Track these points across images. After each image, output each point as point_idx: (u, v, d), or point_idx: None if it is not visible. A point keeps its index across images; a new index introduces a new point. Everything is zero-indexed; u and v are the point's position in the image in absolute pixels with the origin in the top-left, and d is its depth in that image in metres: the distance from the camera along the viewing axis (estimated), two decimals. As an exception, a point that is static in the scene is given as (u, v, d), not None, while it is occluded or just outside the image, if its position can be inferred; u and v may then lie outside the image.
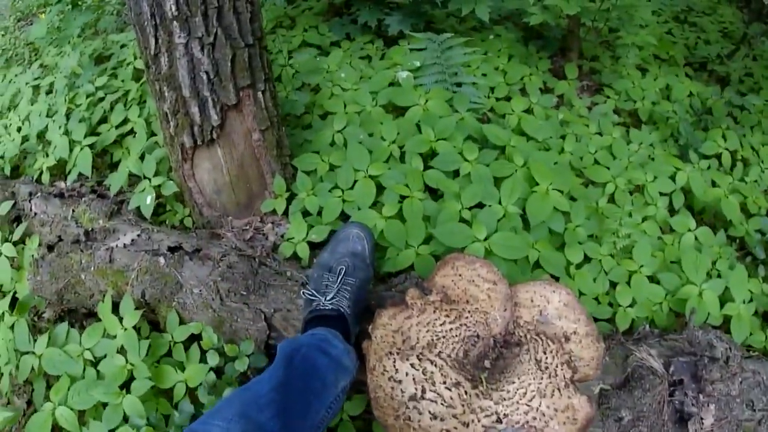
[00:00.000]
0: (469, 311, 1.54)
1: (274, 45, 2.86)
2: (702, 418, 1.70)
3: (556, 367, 1.54)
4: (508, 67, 2.83)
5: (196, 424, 1.16)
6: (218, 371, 1.67)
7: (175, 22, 1.63)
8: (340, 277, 1.60)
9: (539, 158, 2.20)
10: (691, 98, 3.00)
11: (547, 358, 1.54)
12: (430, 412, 1.40)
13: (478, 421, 1.43)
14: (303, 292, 1.62)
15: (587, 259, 2.08)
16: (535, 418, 1.45)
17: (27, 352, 1.83)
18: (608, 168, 2.40)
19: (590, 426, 1.46)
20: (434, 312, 1.51)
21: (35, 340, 1.82)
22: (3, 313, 1.98)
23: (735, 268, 2.12)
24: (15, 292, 2.08)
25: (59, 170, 2.45)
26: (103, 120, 2.51)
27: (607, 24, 3.06)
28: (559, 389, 1.49)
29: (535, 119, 2.49)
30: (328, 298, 1.55)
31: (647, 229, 2.24)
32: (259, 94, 1.86)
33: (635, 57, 2.95)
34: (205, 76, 1.72)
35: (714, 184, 2.50)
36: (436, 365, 1.45)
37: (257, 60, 1.81)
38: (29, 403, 1.90)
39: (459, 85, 2.52)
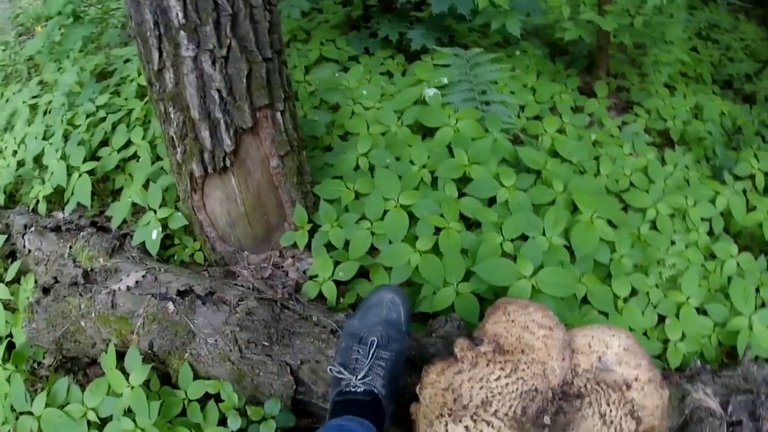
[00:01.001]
0: (525, 362, 1.33)
1: (290, 60, 2.66)
2: None
3: (620, 419, 1.35)
4: (537, 85, 2.66)
5: None
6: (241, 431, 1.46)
7: (182, 31, 1.42)
8: (372, 351, 1.37)
9: (580, 184, 2.02)
10: (722, 117, 2.88)
11: (611, 410, 1.35)
12: (489, 483, 1.20)
13: (542, 489, 1.23)
14: (329, 369, 1.38)
15: (633, 291, 1.91)
16: None
17: (24, 413, 1.61)
18: (647, 192, 2.24)
19: None
20: (487, 365, 1.31)
21: (32, 399, 1.60)
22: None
23: None
24: (11, 338, 1.87)
25: (57, 198, 2.24)
26: (104, 143, 2.29)
27: (636, 41, 2.92)
28: (625, 446, 1.30)
29: (569, 140, 2.31)
30: (359, 377, 1.32)
31: (691, 257, 2.08)
32: (278, 114, 1.65)
33: (665, 75, 2.78)
34: (216, 95, 1.51)
35: (749, 205, 2.35)
36: (493, 426, 1.25)
37: (276, 76, 1.61)
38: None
39: (488, 103, 2.33)
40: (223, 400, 1.49)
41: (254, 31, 1.49)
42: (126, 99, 2.48)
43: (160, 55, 1.47)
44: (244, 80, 1.52)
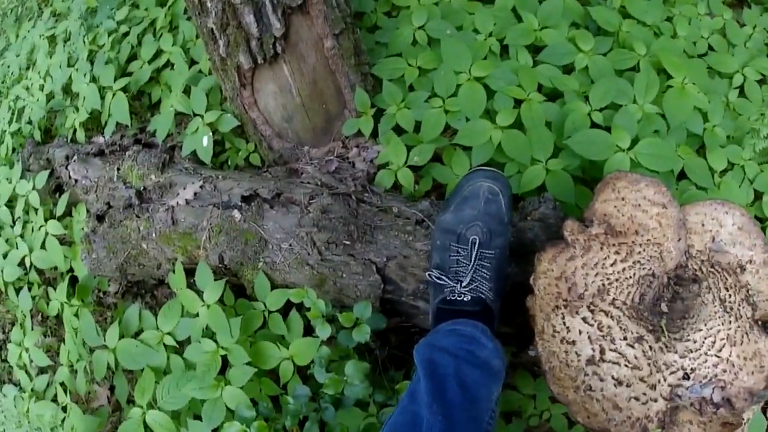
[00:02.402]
0: (640, 244, 1.19)
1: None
2: None
3: (739, 306, 1.22)
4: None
5: None
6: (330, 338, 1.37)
7: None
8: (474, 253, 1.21)
9: (664, 45, 1.79)
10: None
11: (730, 295, 1.22)
12: (613, 377, 1.09)
13: (665, 380, 1.13)
14: (428, 273, 1.24)
15: (731, 165, 1.73)
16: (725, 371, 1.16)
17: (98, 347, 1.57)
18: (733, 55, 2.00)
19: None
20: (601, 249, 1.17)
21: (103, 330, 1.55)
22: (63, 303, 1.73)
23: None
24: (72, 272, 1.80)
25: (94, 124, 2.10)
26: (133, 57, 2.12)
27: None
28: (746, 333, 1.19)
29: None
30: (464, 284, 1.18)
31: (781, 127, 1.88)
32: (330, -12, 1.45)
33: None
34: (258, -32, 1.32)
35: None
36: (612, 317, 1.13)
37: (323, -62, 1.39)
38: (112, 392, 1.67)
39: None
40: (308, 308, 1.39)
41: None
42: (146, 9, 2.26)
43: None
44: (288, -52, 1.31)
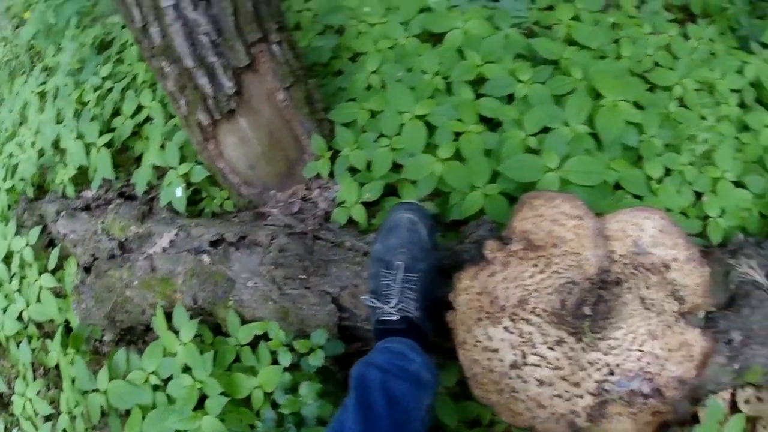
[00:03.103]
0: (557, 255, 1.34)
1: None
2: None
3: (662, 301, 1.36)
4: (547, -28, 2.52)
5: None
6: (295, 365, 1.53)
7: (156, -19, 1.41)
8: (400, 276, 1.38)
9: (600, 68, 1.96)
10: (745, -14, 2.71)
11: (651, 293, 1.36)
12: (535, 378, 1.24)
13: (590, 377, 1.26)
14: (362, 299, 1.43)
15: (667, 172, 1.88)
16: (649, 363, 1.29)
17: (91, 391, 1.73)
18: (672, 69, 2.17)
19: (709, 360, 1.32)
20: (520, 263, 1.32)
21: (95, 374, 1.71)
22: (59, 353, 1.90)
23: None
24: (67, 323, 1.98)
25: (83, 178, 2.28)
26: (116, 113, 2.32)
27: None
28: (669, 327, 1.33)
29: (585, 26, 2.22)
30: (391, 305, 1.35)
31: (723, 130, 2.03)
32: (275, 46, 1.63)
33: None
34: (206, 39, 1.50)
35: None
36: (532, 324, 1.27)
37: (264, 8, 1.57)
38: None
39: (496, 0, 2.25)
40: (272, 340, 1.55)
41: (231, -36, 1.46)
42: (130, 64, 2.48)
43: (141, 11, 1.47)
44: (231, 18, 1.50)
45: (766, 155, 1.95)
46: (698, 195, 1.88)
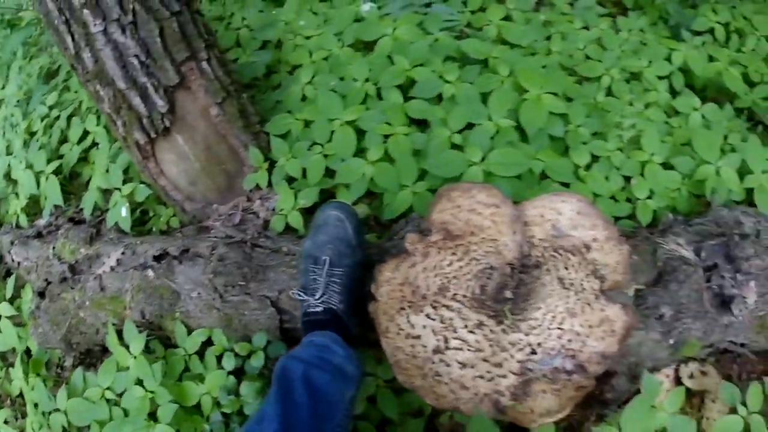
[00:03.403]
0: (476, 243, 1.43)
1: (225, 9, 2.68)
2: (744, 298, 1.63)
3: (582, 281, 1.45)
4: (479, -24, 2.63)
5: None
6: (241, 370, 1.61)
7: (85, 9, 1.48)
8: (325, 269, 1.49)
9: (526, 64, 2.07)
10: (676, -24, 2.83)
11: (570, 273, 1.45)
12: (457, 361, 1.31)
13: (512, 357, 1.34)
14: (291, 293, 1.53)
15: (595, 158, 1.98)
16: (570, 341, 1.37)
17: (53, 411, 1.79)
18: (600, 61, 2.28)
19: (631, 333, 1.40)
20: (438, 253, 1.40)
21: (55, 396, 1.78)
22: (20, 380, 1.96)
23: (748, 140, 2.05)
24: (29, 350, 2.04)
25: (36, 208, 2.34)
26: (64, 140, 2.39)
27: None
28: (589, 304, 1.41)
29: (516, 25, 2.34)
30: (316, 297, 1.45)
31: (652, 115, 2.15)
32: (204, 64, 1.71)
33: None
34: (135, 61, 1.58)
35: (712, 58, 2.40)
36: (453, 310, 1.35)
37: (191, 27, 1.66)
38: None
39: (428, 5, 2.36)
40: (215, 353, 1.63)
41: (154, -11, 1.54)
42: (76, 91, 2.55)
43: (73, 38, 1.55)
44: (158, 39, 1.58)
45: (695, 137, 2.04)
46: (627, 179, 1.98)
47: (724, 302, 1.63)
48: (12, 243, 2.15)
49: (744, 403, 1.62)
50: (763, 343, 1.73)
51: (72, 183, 2.34)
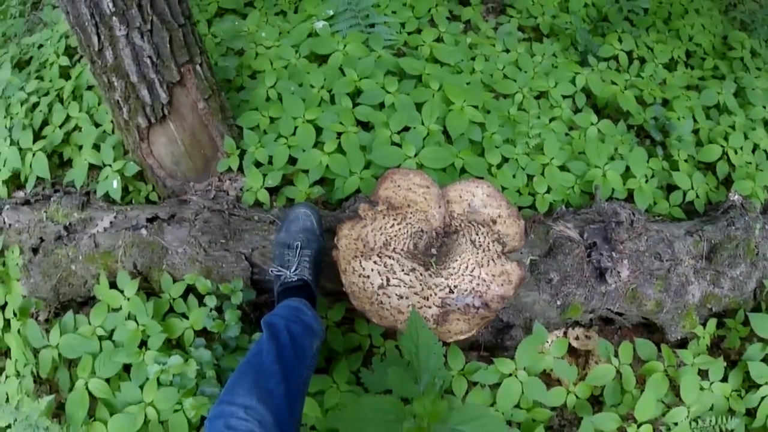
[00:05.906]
0: (411, 213, 2.04)
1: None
2: (618, 271, 2.24)
3: (488, 244, 2.06)
4: (414, 2, 3.25)
5: (224, 403, 1.50)
6: (220, 309, 2.12)
7: (114, 17, 1.98)
8: (298, 251, 2.03)
9: (452, 81, 2.71)
10: (587, 8, 3.54)
11: (479, 238, 2.06)
12: (396, 294, 1.90)
13: (435, 294, 1.94)
14: (270, 270, 2.05)
15: (505, 160, 2.63)
16: (478, 285, 1.96)
17: (43, 347, 2.19)
18: (515, 80, 2.93)
19: (522, 284, 2.00)
20: (383, 218, 2.01)
21: (47, 333, 2.17)
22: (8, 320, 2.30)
23: (634, 150, 2.73)
24: (5, 304, 2.37)
25: (14, 182, 2.75)
26: (45, 123, 2.82)
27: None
28: (493, 260, 2.02)
29: (446, 46, 2.98)
30: (292, 270, 1.99)
31: (555, 128, 2.81)
32: (198, 66, 2.25)
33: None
34: (149, 61, 2.10)
35: (613, 82, 3.06)
36: (393, 259, 1.95)
37: (191, 37, 2.20)
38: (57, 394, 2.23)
39: (372, 26, 2.99)
40: (200, 292, 2.15)
41: (168, 6, 2.07)
42: (51, 81, 2.98)
43: (99, 38, 2.04)
44: (168, 45, 2.11)
45: (588, 146, 2.71)
46: (530, 177, 2.63)
47: (602, 274, 2.23)
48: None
49: (617, 355, 2.23)
50: (635, 313, 2.35)
51: (51, 160, 2.77)
